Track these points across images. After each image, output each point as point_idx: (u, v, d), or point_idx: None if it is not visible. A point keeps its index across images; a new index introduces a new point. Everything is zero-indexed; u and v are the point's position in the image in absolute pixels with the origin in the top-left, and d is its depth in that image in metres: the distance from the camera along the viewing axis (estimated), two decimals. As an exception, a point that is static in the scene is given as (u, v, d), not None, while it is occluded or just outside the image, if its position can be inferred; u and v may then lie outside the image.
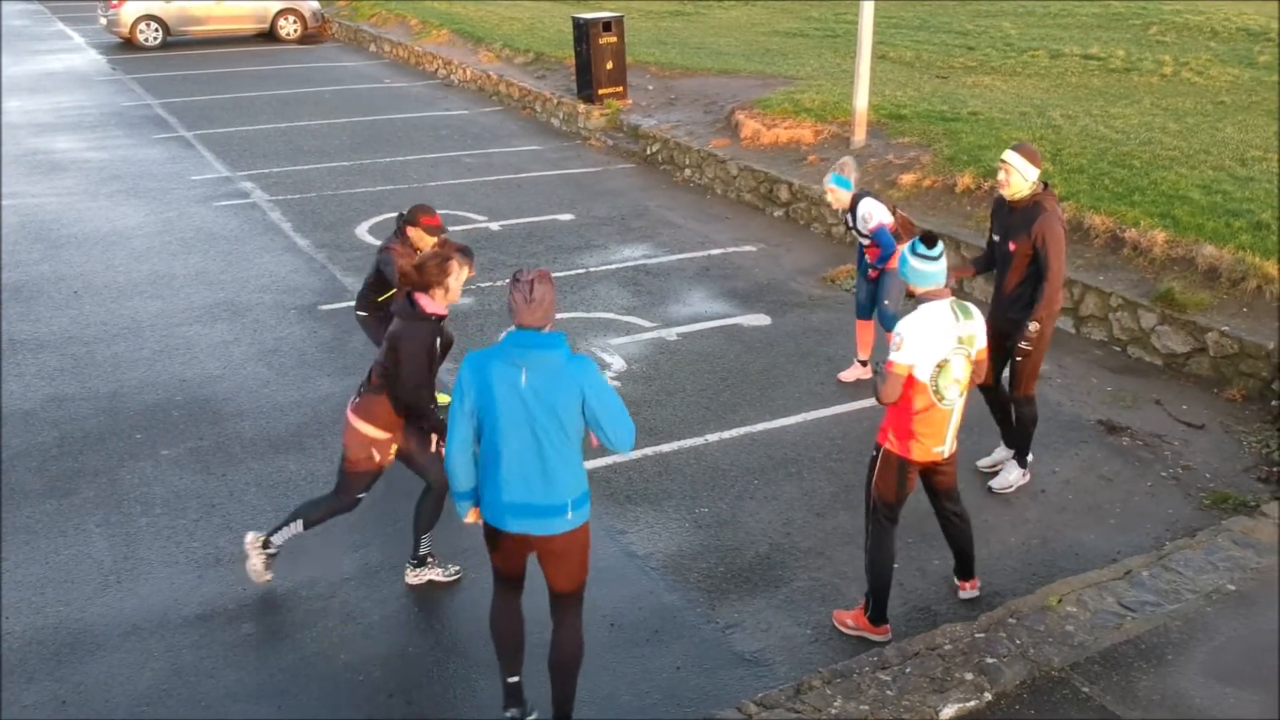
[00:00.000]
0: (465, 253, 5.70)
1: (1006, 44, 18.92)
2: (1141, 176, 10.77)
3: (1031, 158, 6.42)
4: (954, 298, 5.24)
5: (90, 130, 16.98)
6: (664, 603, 5.89)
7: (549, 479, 4.47)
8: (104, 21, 25.12)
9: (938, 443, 5.32)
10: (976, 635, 5.05)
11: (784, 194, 12.60)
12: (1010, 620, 5.18)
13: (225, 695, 5.26)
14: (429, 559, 6.08)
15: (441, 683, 5.38)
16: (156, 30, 24.74)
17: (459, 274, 5.57)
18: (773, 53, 18.87)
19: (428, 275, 5.46)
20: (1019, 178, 6.41)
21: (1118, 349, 8.99)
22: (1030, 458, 7.04)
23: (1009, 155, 6.44)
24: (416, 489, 6.08)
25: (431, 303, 5.52)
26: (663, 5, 25.77)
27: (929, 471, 5.52)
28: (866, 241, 7.96)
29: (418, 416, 5.63)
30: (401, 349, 5.50)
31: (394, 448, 5.80)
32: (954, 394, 5.23)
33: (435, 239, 6.96)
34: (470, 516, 4.74)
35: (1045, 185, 6.53)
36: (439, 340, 5.59)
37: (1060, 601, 5.32)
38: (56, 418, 7.93)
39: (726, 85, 16.48)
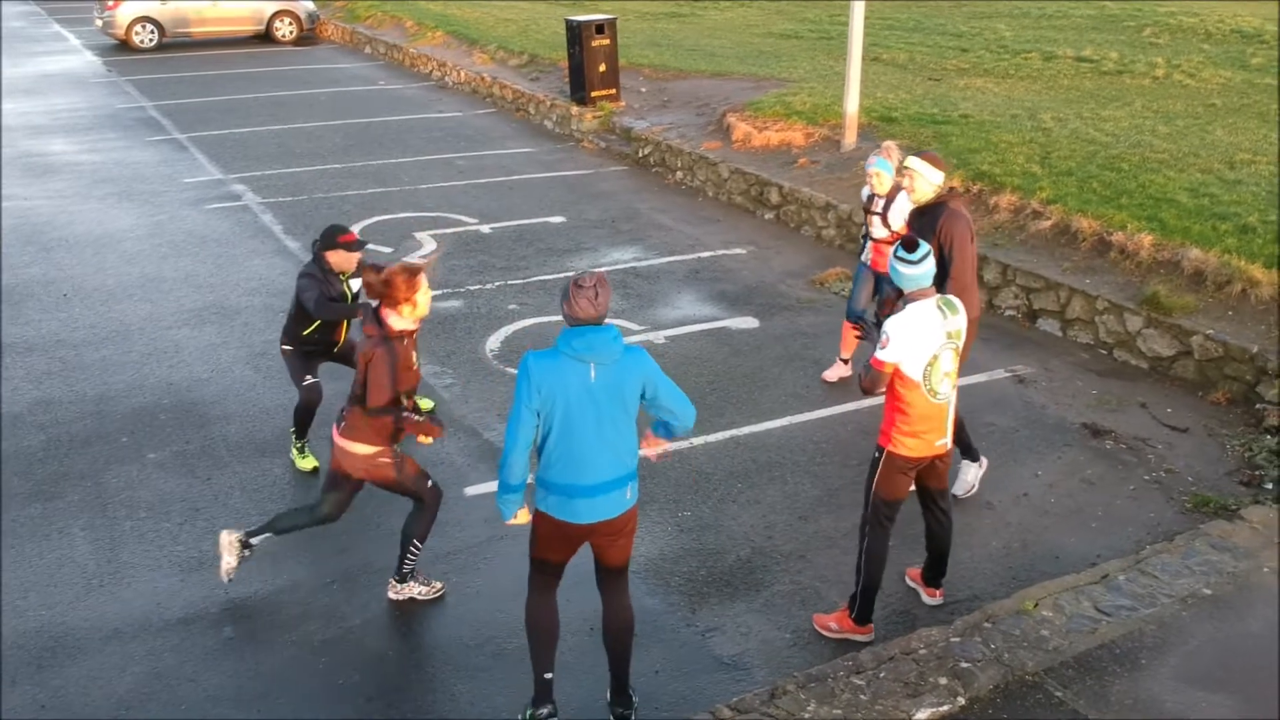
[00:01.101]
0: (416, 271, 5.58)
1: (1000, 46, 18.95)
2: (1130, 179, 10.80)
3: (934, 162, 6.51)
4: (939, 295, 5.29)
5: (84, 133, 17.00)
6: (644, 606, 5.90)
7: (617, 467, 4.67)
8: (100, 23, 25.15)
9: (939, 435, 5.38)
10: (952, 639, 5.07)
11: (774, 196, 12.62)
12: (986, 624, 5.20)
13: (206, 699, 5.28)
14: (412, 575, 6.06)
15: (421, 686, 5.40)
16: (152, 32, 24.76)
17: (427, 289, 5.53)
18: (766, 55, 18.90)
19: (396, 291, 5.39)
20: (923, 182, 6.49)
21: (1104, 352, 9.01)
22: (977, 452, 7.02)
23: (911, 161, 6.53)
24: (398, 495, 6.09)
25: (400, 320, 5.47)
26: (658, 7, 25.81)
27: (927, 468, 5.54)
28: (886, 235, 7.89)
29: (394, 426, 5.61)
30: (371, 370, 5.45)
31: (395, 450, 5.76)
32: (946, 388, 5.31)
33: (357, 254, 6.80)
34: (521, 517, 4.84)
35: (951, 189, 6.57)
36: (411, 356, 5.57)
37: (1036, 606, 5.35)
38: (43, 421, 7.95)
39: (719, 87, 16.51)
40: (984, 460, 7.02)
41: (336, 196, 13.46)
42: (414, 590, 6.02)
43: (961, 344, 5.38)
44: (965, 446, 6.90)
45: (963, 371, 8.33)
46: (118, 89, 20.51)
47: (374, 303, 5.57)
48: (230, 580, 5.99)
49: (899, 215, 7.76)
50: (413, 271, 5.43)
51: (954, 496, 6.85)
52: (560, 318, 5.76)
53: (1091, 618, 5.27)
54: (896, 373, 5.26)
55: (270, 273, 10.93)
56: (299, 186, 13.92)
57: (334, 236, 6.79)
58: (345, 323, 7.15)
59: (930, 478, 5.60)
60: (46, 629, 5.75)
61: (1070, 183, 10.78)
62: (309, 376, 7.15)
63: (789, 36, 21.09)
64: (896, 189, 7.75)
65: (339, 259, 6.81)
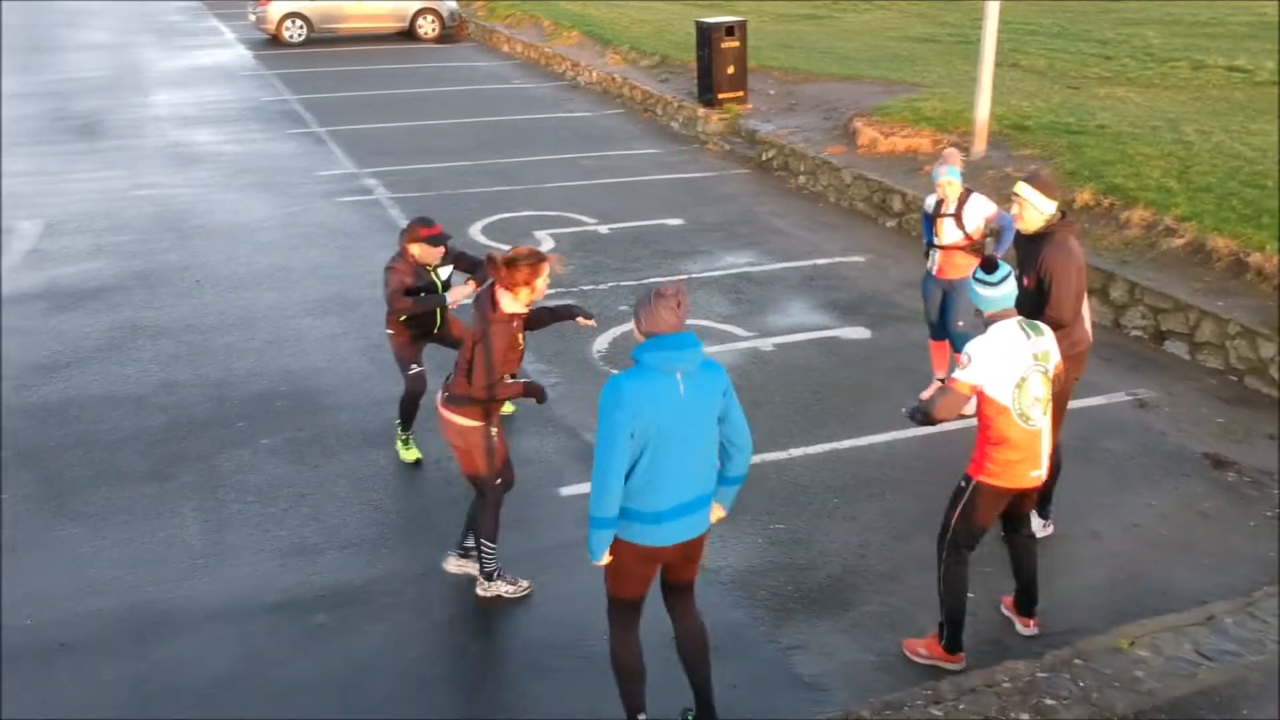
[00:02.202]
0: (543, 258, 5.69)
1: (1147, 54, 18.23)
2: (1274, 198, 10.25)
3: (1045, 188, 6.12)
4: (1021, 317, 5.14)
5: (230, 124, 17.68)
6: (728, 618, 5.85)
7: (704, 484, 4.61)
8: (253, 18, 26.13)
9: (1033, 466, 5.20)
10: (1038, 674, 4.89)
11: (897, 204, 12.39)
12: (1077, 661, 5.00)
13: (293, 684, 5.43)
14: (500, 575, 6.14)
15: (499, 683, 5.48)
16: (301, 27, 25.61)
17: (546, 276, 5.61)
18: (900, 58, 18.56)
19: (518, 275, 5.51)
20: (1033, 211, 6.10)
21: (1233, 379, 8.58)
22: (1051, 510, 6.68)
23: (1021, 188, 6.15)
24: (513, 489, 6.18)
25: (512, 302, 5.59)
26: (795, 9, 25.58)
27: (1020, 496, 5.37)
28: (959, 238, 7.72)
29: (498, 399, 5.74)
30: (478, 350, 5.59)
31: (497, 430, 5.84)
32: (1038, 413, 5.12)
33: (440, 248, 6.97)
34: (606, 558, 4.62)
35: (1064, 215, 6.25)
36: (519, 339, 5.66)
37: (1133, 644, 5.12)
38: (166, 403, 8.29)
39: (849, 91, 16.27)
40: (1051, 524, 6.69)
41: (463, 193, 13.71)
42: (501, 589, 6.09)
43: (1051, 366, 5.17)
44: (1044, 497, 6.51)
45: (1080, 393, 8.11)
46: (264, 82, 21.26)
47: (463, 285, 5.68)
48: (525, 586, 6.11)
49: (974, 216, 7.62)
50: (539, 258, 5.55)
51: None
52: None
53: (1192, 661, 5.02)
54: (982, 398, 5.10)
55: (392, 266, 11.18)
56: (428, 182, 14.22)
57: (416, 230, 6.95)
58: (437, 309, 7.25)
59: (1021, 506, 5.42)
60: (152, 604, 5.99)
61: (1208, 199, 10.30)
62: (415, 365, 7.31)
63: (926, 40, 20.67)
64: (968, 192, 7.67)
65: (421, 251, 6.96)
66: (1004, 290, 5.06)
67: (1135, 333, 9.40)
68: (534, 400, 5.84)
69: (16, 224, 12.50)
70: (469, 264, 7.30)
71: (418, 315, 7.18)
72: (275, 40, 25.61)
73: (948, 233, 7.74)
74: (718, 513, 4.77)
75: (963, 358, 5.11)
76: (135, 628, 5.82)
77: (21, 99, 19.66)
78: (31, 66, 23.09)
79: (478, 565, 6.10)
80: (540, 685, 5.42)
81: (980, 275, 5.09)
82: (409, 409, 7.41)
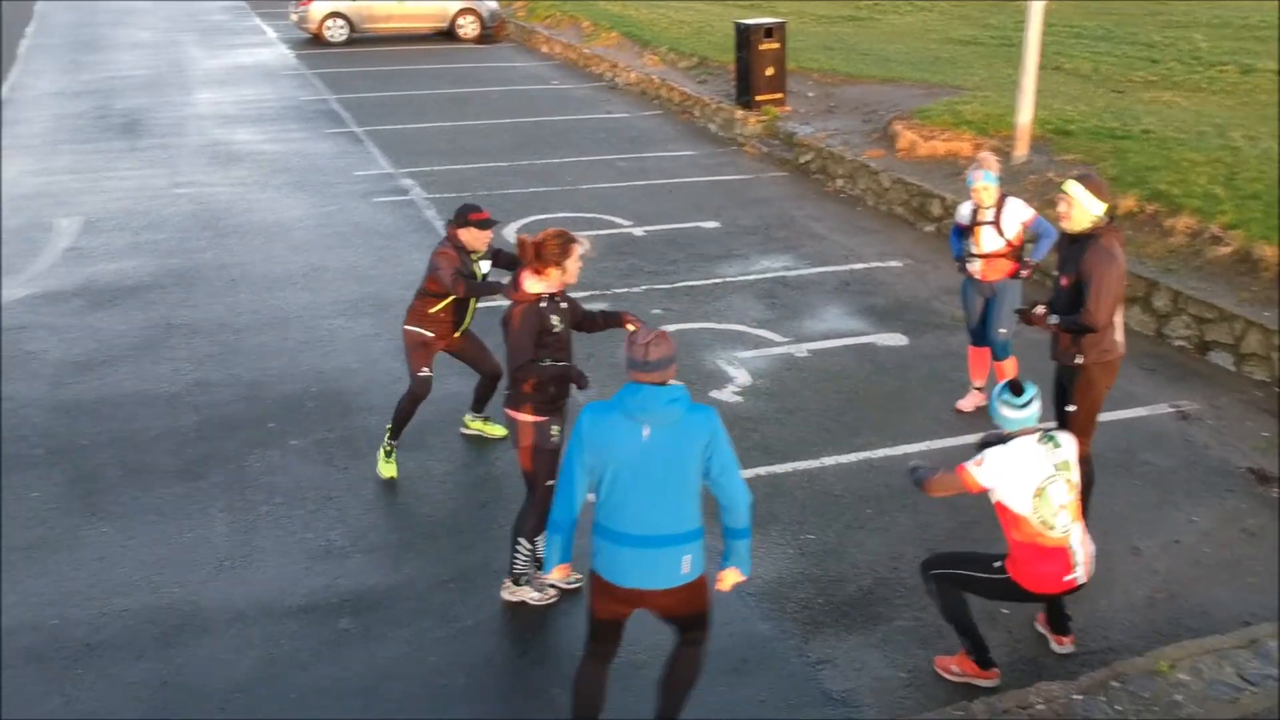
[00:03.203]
0: (572, 239, 5.61)
1: (1194, 57, 17.91)
2: (1324, 206, 10.02)
3: (1096, 190, 5.99)
4: (1042, 431, 5.10)
5: (269, 123, 17.76)
6: (756, 631, 5.76)
7: (669, 534, 4.40)
8: (294, 18, 26.27)
9: (1066, 571, 5.10)
10: (1073, 696, 4.76)
11: (936, 209, 12.22)
12: (1114, 683, 4.86)
13: (315, 689, 5.39)
14: (529, 580, 6.08)
15: (524, 693, 5.41)
16: (343, 27, 25.72)
17: (577, 258, 5.55)
18: (942, 61, 18.35)
19: (547, 253, 5.46)
20: (1081, 211, 5.97)
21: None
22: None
23: (1070, 186, 6.02)
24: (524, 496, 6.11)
25: (536, 282, 5.53)
26: (836, 10, 25.39)
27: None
28: (1000, 245, 7.58)
29: (542, 382, 5.66)
30: (509, 332, 5.55)
31: (559, 429, 5.79)
32: (1064, 520, 5.05)
33: (488, 233, 6.93)
34: (557, 572, 4.65)
35: (1110, 220, 6.10)
36: (550, 320, 5.58)
37: (1172, 667, 4.97)
38: (199, 402, 8.30)
39: (889, 94, 16.11)
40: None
41: (499, 194, 13.67)
42: (528, 595, 6.02)
43: (1074, 476, 5.10)
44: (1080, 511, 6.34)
45: (1121, 404, 7.96)
46: (305, 82, 21.37)
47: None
48: (554, 595, 6.03)
49: (1012, 222, 7.48)
50: (568, 238, 5.50)
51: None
52: (697, 327, 5.64)
53: (1234, 686, 4.87)
54: (1003, 512, 5.07)
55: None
56: (464, 183, 14.20)
57: (466, 214, 6.89)
58: (470, 306, 7.18)
59: None
60: (177, 606, 5.98)
61: (1256, 207, 10.06)
62: (425, 368, 7.16)
63: (969, 43, 20.44)
64: (1004, 197, 7.52)
65: (470, 237, 6.89)
66: (1028, 413, 5.05)
67: (1178, 343, 9.20)
68: (575, 386, 5.75)
69: (56, 221, 12.60)
70: (508, 261, 7.21)
71: (448, 310, 7.09)
72: (317, 40, 25.74)
73: (988, 240, 7.59)
74: (732, 576, 4.56)
75: (979, 457, 5.09)
76: (161, 629, 5.80)
77: (68, 97, 19.87)
78: (79, 65, 23.35)
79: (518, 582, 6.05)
80: (568, 695, 5.33)
81: (1006, 398, 5.08)
82: (406, 412, 7.20)
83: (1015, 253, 7.63)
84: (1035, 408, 5.06)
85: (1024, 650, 5.63)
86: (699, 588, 4.56)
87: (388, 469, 7.26)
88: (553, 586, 6.07)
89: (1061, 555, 5.06)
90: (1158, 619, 5.86)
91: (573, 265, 5.55)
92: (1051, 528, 5.00)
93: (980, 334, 7.95)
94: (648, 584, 4.43)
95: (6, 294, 10.42)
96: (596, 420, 4.40)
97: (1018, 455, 5.03)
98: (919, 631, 5.79)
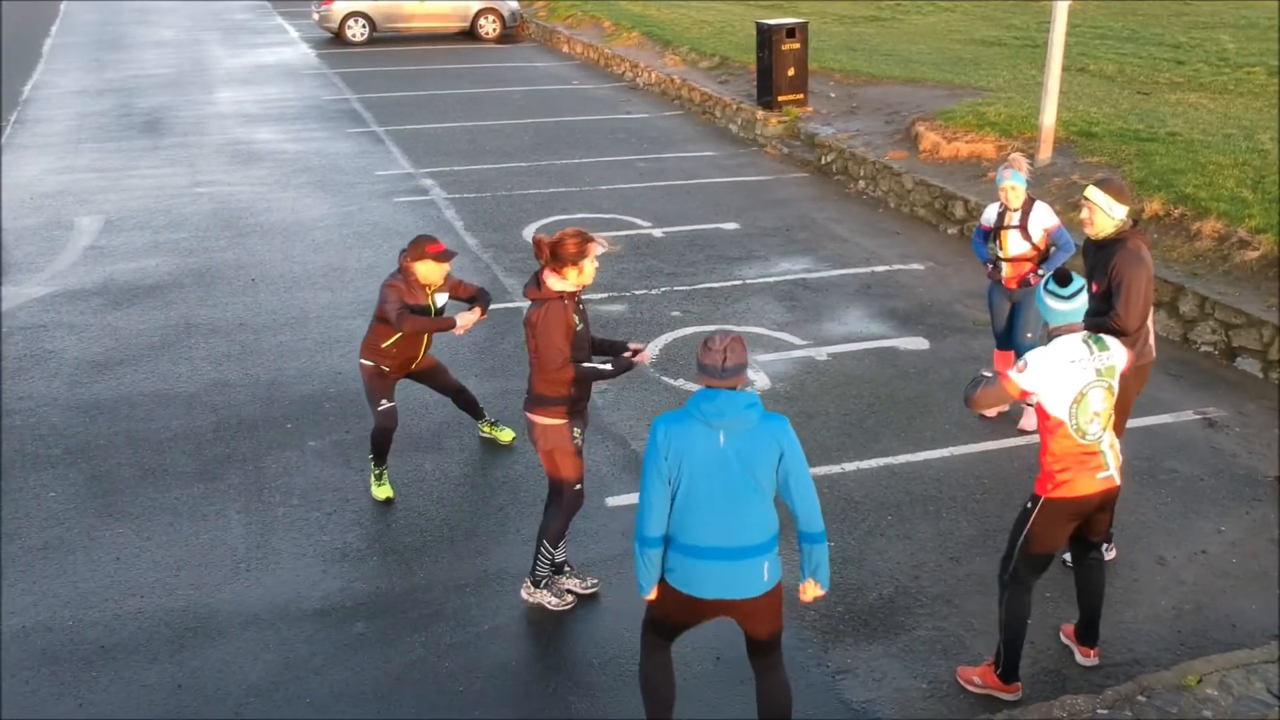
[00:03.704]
0: (589, 238, 5.54)
1: (1221, 59, 17.72)
2: (1355, 210, 9.87)
3: (1117, 194, 5.93)
4: (1087, 331, 4.97)
5: (290, 122, 17.78)
6: (774, 639, 5.68)
7: (746, 542, 4.37)
8: (316, 17, 26.32)
9: (1098, 469, 4.98)
10: (1099, 711, 4.67)
11: (959, 211, 12.11)
12: (1140, 697, 4.77)
13: (330, 694, 5.35)
14: (565, 566, 6.06)
15: (539, 699, 5.35)
16: (364, 27, 25.76)
17: (594, 255, 5.50)
18: (965, 62, 18.21)
19: (564, 253, 5.42)
20: (1103, 216, 5.92)
21: (1310, 399, 8.25)
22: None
23: (1091, 192, 5.96)
24: (542, 504, 6.07)
25: (560, 281, 5.49)
26: (858, 10, 25.26)
27: (1092, 511, 5.13)
28: (1026, 249, 7.49)
29: (581, 382, 5.60)
30: (538, 332, 5.50)
31: (581, 432, 5.74)
32: (1096, 429, 4.94)
33: (446, 266, 6.61)
34: (654, 594, 4.56)
35: (1135, 223, 6.02)
36: (573, 317, 5.55)
37: (1200, 681, 4.88)
38: (217, 402, 8.29)
39: (912, 95, 15.99)
40: (1114, 549, 6.37)
41: (519, 195, 13.65)
42: (545, 598, 5.98)
43: (1115, 382, 4.97)
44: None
45: (1147, 411, 7.86)
46: (326, 81, 21.39)
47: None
48: (571, 602, 5.98)
49: (1038, 226, 7.38)
50: (585, 237, 5.46)
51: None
52: (718, 329, 5.59)
53: (1264, 702, 4.77)
54: (1040, 410, 4.94)
55: (445, 268, 11.13)
56: (484, 183, 14.17)
57: (422, 247, 6.52)
58: (426, 338, 6.90)
59: (1095, 523, 5.19)
60: (192, 609, 5.95)
61: (1286, 211, 9.93)
62: (385, 400, 6.85)
63: (991, 43, 20.28)
64: (1030, 200, 7.41)
65: (427, 270, 6.54)
66: (1075, 304, 4.89)
67: (1205, 348, 9.08)
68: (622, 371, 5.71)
69: (77, 219, 12.63)
70: (470, 294, 6.92)
71: (400, 345, 6.76)
72: (338, 39, 25.79)
73: (1014, 244, 7.49)
74: (812, 590, 4.54)
75: (1021, 362, 4.96)
76: (176, 631, 5.78)
77: (91, 95, 19.95)
78: (103, 63, 23.45)
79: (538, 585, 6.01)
80: (583, 702, 5.30)
81: (1052, 287, 4.92)
82: (380, 443, 6.93)
83: (1040, 257, 7.53)
84: (1082, 299, 4.88)
85: (1047, 662, 5.55)
86: (777, 596, 4.54)
87: (382, 491, 7.02)
88: (570, 593, 6.02)
89: (1091, 459, 4.95)
90: (1184, 631, 5.77)
91: (590, 265, 5.50)
92: (1084, 434, 4.89)
93: (1005, 338, 7.85)
94: (731, 594, 4.40)
95: (28, 292, 10.44)
96: (671, 429, 4.36)
97: (1060, 355, 4.87)
98: (941, 641, 5.71)
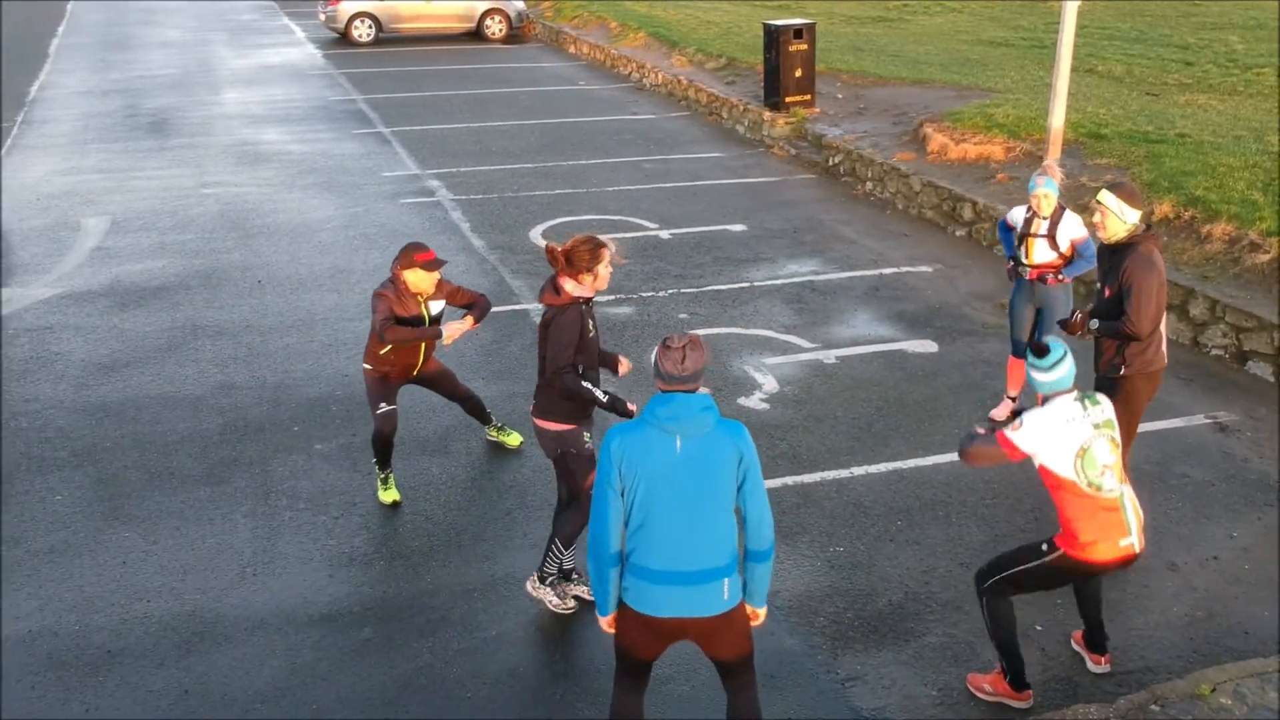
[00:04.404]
0: (602, 244, 5.51)
1: (1230, 60, 17.66)
2: (1366, 212, 9.82)
3: (1129, 198, 5.89)
4: (1079, 391, 4.95)
5: (296, 123, 17.77)
6: (784, 646, 5.65)
7: (707, 556, 4.21)
8: (323, 17, 26.31)
9: (1121, 535, 4.90)
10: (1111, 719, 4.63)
11: (967, 213, 12.07)
12: (1153, 706, 4.73)
13: (337, 700, 5.33)
14: (574, 573, 6.05)
15: (546, 707, 5.31)
16: (370, 27, 25.74)
17: (608, 263, 5.49)
18: (973, 63, 18.16)
19: (578, 260, 5.41)
20: (1115, 220, 5.90)
21: (1322, 403, 8.20)
22: None
23: (1104, 196, 5.94)
24: (552, 505, 6.03)
25: (577, 287, 5.47)
26: (865, 11, 25.21)
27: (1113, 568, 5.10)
28: (1053, 258, 7.39)
29: (570, 397, 5.58)
30: (549, 334, 5.50)
31: (590, 434, 5.72)
32: (1111, 480, 4.87)
33: (436, 274, 6.58)
34: (607, 626, 4.44)
35: (1148, 227, 5.98)
36: (588, 323, 5.54)
37: (1214, 690, 4.84)
38: (223, 405, 8.26)
39: (919, 96, 15.95)
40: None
41: (524, 196, 13.62)
42: (548, 597, 5.95)
43: (1116, 434, 4.95)
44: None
45: (1157, 415, 7.81)
46: (332, 81, 21.38)
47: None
48: (572, 606, 5.97)
49: (1066, 235, 7.29)
50: (597, 243, 5.45)
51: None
52: (725, 332, 5.58)
53: (1278, 712, 4.73)
54: (1047, 475, 4.91)
55: (452, 270, 11.07)
56: (490, 184, 14.15)
57: (411, 255, 6.50)
58: (422, 346, 6.85)
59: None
60: (199, 614, 5.93)
61: (1297, 214, 9.87)
62: (384, 404, 6.81)
63: (999, 44, 20.23)
64: (1061, 209, 7.31)
65: (417, 279, 6.53)
66: (1057, 374, 4.88)
67: (1216, 352, 9.03)
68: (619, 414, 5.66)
69: (83, 220, 12.62)
70: (466, 300, 6.88)
71: (398, 352, 6.75)
72: (345, 39, 25.78)
73: (1039, 252, 7.38)
74: (755, 613, 4.43)
75: (1017, 421, 4.93)
76: (183, 636, 5.76)
77: (97, 96, 19.95)
78: (109, 64, 23.45)
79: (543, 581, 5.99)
80: (591, 709, 5.27)
81: (1033, 360, 4.93)
82: (381, 448, 6.91)
83: (1065, 265, 7.42)
84: (1065, 368, 4.86)
85: (1058, 669, 5.50)
86: (741, 616, 4.36)
87: (388, 495, 6.99)
88: (575, 598, 6.00)
89: (1116, 519, 4.87)
90: (1196, 638, 5.72)
91: (604, 270, 5.48)
92: (1099, 489, 4.83)
93: (1022, 345, 7.76)
94: (689, 612, 4.23)
95: (34, 294, 10.43)
96: (625, 439, 4.22)
97: (1056, 416, 4.85)
98: (951, 648, 5.67)
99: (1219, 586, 6.14)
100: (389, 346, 6.69)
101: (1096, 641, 5.47)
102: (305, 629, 5.82)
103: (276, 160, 15.43)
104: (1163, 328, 6.08)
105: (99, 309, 10.07)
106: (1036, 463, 4.93)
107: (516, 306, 10.01)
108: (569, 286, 5.48)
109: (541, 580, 5.98)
